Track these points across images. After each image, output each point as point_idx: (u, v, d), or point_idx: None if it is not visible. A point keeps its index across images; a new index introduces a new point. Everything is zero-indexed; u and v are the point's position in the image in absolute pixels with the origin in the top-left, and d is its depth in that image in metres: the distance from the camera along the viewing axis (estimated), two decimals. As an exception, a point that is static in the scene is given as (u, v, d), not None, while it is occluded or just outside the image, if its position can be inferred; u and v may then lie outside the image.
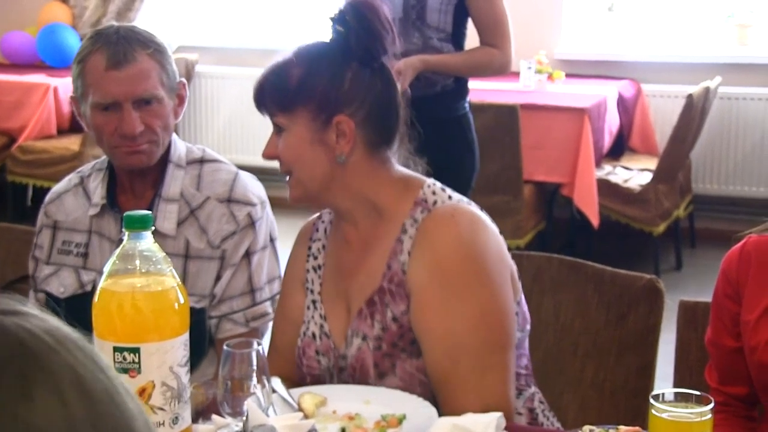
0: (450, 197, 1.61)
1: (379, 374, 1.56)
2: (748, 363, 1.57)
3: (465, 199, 1.63)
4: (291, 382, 1.64)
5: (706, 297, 1.85)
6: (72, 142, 5.00)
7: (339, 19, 1.58)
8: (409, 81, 2.78)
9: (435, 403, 1.53)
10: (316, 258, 1.69)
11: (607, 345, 1.88)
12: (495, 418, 1.42)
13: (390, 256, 1.58)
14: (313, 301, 1.67)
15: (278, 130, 1.61)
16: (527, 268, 1.89)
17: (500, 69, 3.00)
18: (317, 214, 1.74)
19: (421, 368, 1.55)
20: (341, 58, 1.58)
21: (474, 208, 1.60)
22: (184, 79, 1.91)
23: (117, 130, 1.80)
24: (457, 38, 2.98)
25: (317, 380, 1.62)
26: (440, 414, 1.48)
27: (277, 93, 1.59)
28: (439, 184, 1.64)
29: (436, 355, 1.53)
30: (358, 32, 1.57)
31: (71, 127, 5.14)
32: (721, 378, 1.64)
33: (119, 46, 1.80)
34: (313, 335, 1.64)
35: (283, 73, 1.59)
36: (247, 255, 1.86)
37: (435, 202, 1.59)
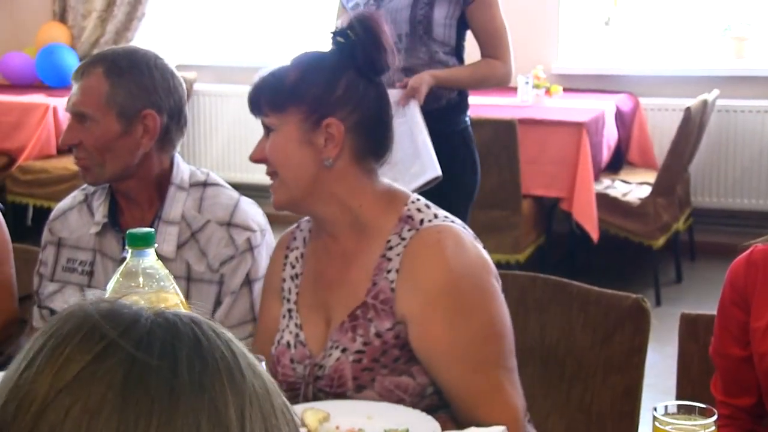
0: (436, 215, 1.62)
1: (357, 387, 1.57)
2: (758, 370, 1.58)
3: (450, 216, 1.64)
4: None
5: (707, 310, 1.85)
6: (71, 162, 4.94)
7: (341, 32, 1.62)
8: (424, 96, 2.82)
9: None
10: (293, 267, 1.70)
11: (593, 366, 1.86)
12: (500, 431, 1.43)
13: (375, 273, 1.59)
14: (289, 310, 1.68)
15: (268, 132, 1.63)
16: (511, 289, 1.87)
17: (503, 80, 3.04)
18: (296, 224, 1.75)
19: (401, 385, 1.57)
20: (339, 65, 1.61)
21: (458, 226, 1.62)
22: (155, 113, 1.83)
23: None
24: (459, 51, 3.02)
25: (292, 387, 1.63)
26: (443, 428, 1.48)
27: (270, 93, 1.61)
28: (423, 200, 1.65)
29: (456, 374, 1.55)
30: (364, 43, 1.60)
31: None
32: (727, 389, 1.63)
33: (86, 62, 1.86)
34: (288, 344, 1.65)
35: (279, 75, 1.62)
36: (249, 283, 1.85)
37: (422, 221, 1.60)
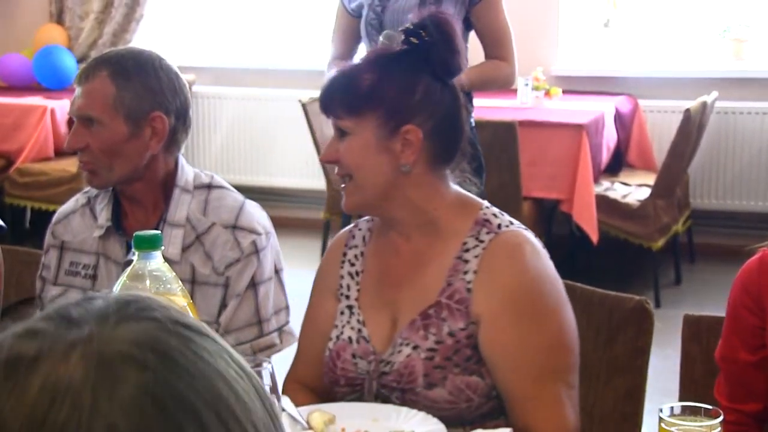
0: (511, 222, 1.63)
1: (428, 384, 1.57)
2: None
3: (522, 224, 1.66)
4: (316, 390, 1.68)
5: (707, 311, 1.86)
6: (70, 164, 5.00)
7: (415, 32, 1.60)
8: None
9: (463, 422, 1.56)
10: (353, 264, 1.70)
11: (596, 368, 1.86)
12: (505, 433, 1.43)
13: (450, 274, 1.59)
14: (349, 306, 1.67)
15: (341, 134, 1.61)
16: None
17: (508, 81, 3.04)
18: (353, 224, 1.75)
19: (471, 385, 1.57)
20: (415, 68, 1.59)
21: (530, 233, 1.63)
22: (163, 115, 1.82)
23: None
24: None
25: (352, 383, 1.63)
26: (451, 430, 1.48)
27: (346, 96, 1.59)
28: (495, 208, 1.66)
29: (519, 379, 1.56)
30: (439, 46, 1.59)
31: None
32: (733, 394, 1.62)
33: (89, 64, 1.84)
34: (350, 339, 1.65)
35: (354, 76, 1.60)
36: (254, 286, 1.84)
37: (499, 225, 1.61)
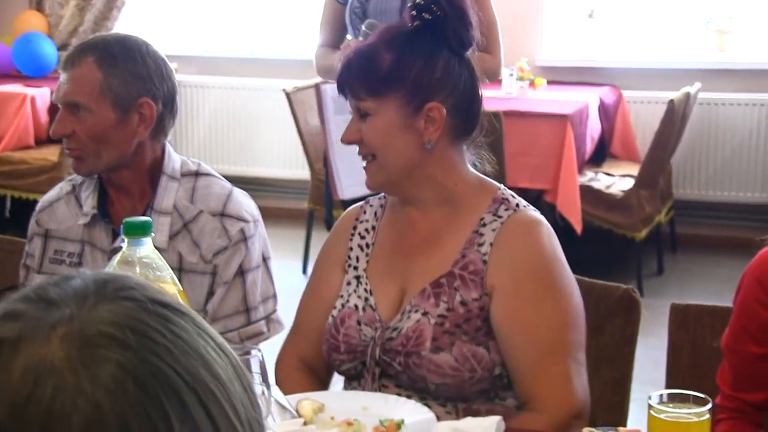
0: (527, 204, 1.66)
1: (435, 348, 1.58)
2: None
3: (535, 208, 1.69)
4: (311, 362, 1.70)
5: (689, 300, 1.88)
6: (51, 153, 4.96)
7: (426, 7, 1.59)
8: None
9: (473, 397, 1.58)
10: (363, 237, 1.72)
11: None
12: (494, 422, 1.43)
13: (466, 246, 1.62)
14: (357, 277, 1.69)
15: (361, 114, 1.61)
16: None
17: (493, 73, 3.03)
18: (364, 200, 1.77)
19: (477, 355, 1.58)
20: (432, 44, 1.60)
21: (544, 218, 1.66)
22: (151, 101, 1.81)
23: None
24: None
25: (353, 349, 1.64)
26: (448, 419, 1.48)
27: (366, 78, 1.60)
28: (510, 191, 1.69)
29: (530, 354, 1.57)
30: (454, 20, 1.59)
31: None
32: (738, 384, 1.61)
33: (75, 50, 1.83)
34: (356, 306, 1.66)
35: (372, 57, 1.60)
36: (242, 273, 1.83)
37: (518, 205, 1.64)
